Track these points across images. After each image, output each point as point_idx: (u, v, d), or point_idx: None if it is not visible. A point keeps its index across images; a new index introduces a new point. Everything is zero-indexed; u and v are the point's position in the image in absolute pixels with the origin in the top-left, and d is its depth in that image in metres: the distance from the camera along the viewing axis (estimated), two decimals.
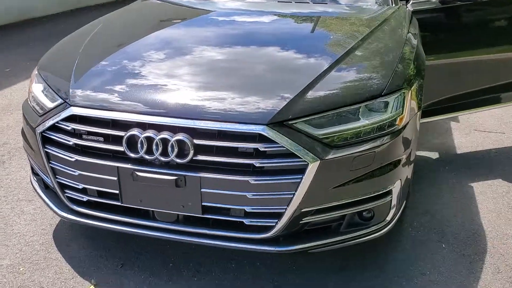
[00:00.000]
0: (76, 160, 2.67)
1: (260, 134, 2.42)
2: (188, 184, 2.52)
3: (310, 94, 2.56)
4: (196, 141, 2.47)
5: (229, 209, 2.58)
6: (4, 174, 4.25)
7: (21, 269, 3.08)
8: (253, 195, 2.47)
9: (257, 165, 2.43)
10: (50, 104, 2.84)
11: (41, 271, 3.06)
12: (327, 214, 2.60)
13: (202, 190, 2.52)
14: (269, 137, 2.39)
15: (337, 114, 2.53)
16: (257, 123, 2.41)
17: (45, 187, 3.14)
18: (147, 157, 2.53)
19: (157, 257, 3.18)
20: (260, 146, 2.42)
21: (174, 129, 2.51)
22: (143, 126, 2.55)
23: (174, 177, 2.51)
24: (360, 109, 2.55)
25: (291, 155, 2.42)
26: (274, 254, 3.09)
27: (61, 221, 3.58)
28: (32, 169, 3.27)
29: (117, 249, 3.26)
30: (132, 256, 3.19)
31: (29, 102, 3.12)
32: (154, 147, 2.50)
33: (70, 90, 2.76)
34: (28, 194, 3.92)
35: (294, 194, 2.46)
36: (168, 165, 2.56)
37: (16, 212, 3.70)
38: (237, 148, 2.47)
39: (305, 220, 2.57)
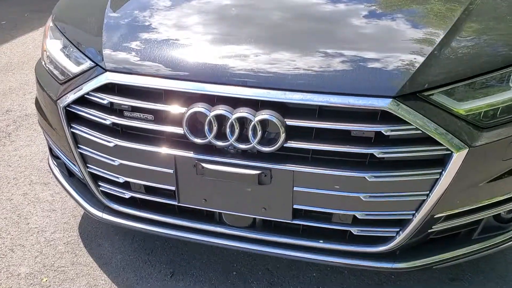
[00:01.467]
0: (116, 145, 2.00)
1: (384, 111, 1.73)
2: (275, 180, 1.86)
3: (447, 55, 1.85)
4: (289, 122, 1.79)
5: (331, 214, 1.94)
6: (11, 150, 3.59)
7: (44, 280, 2.47)
8: (370, 196, 1.82)
9: (378, 155, 1.76)
10: (74, 68, 2.14)
11: (70, 282, 2.44)
12: (463, 218, 1.95)
13: (294, 188, 1.87)
14: (398, 115, 1.71)
15: (484, 82, 1.83)
16: (380, 95, 1.72)
17: (69, 174, 2.49)
18: (218, 143, 1.86)
19: (215, 263, 2.56)
20: (384, 128, 1.74)
21: (256, 105, 1.82)
22: (212, 100, 1.86)
23: (257, 171, 1.85)
24: None
25: (427, 140, 1.74)
26: (389, 272, 2.45)
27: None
28: (51, 150, 2.61)
29: (162, 251, 2.64)
30: (183, 261, 2.57)
31: (43, 63, 2.42)
32: (228, 129, 1.83)
33: (104, 49, 2.05)
34: (43, 176, 3.27)
35: (428, 195, 1.80)
36: (248, 155, 1.89)
37: (30, 199, 3.06)
38: (348, 131, 1.79)
39: (435, 228, 1.92)
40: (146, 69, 1.93)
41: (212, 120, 1.83)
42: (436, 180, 1.78)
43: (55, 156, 2.59)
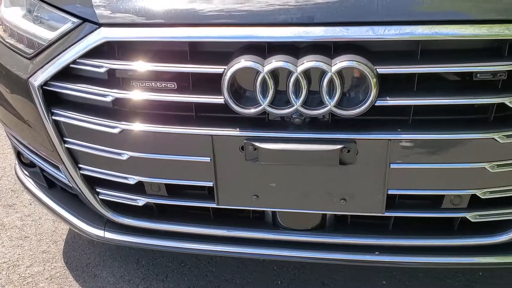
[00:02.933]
0: (123, 131, 1.43)
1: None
2: (361, 157, 1.33)
3: None
4: (381, 69, 1.28)
5: (440, 198, 1.42)
6: None
7: None
8: (499, 165, 1.32)
9: None
10: (49, 34, 1.55)
11: None
12: None
13: (390, 165, 1.35)
14: None
15: None
16: None
17: (49, 185, 1.88)
18: (276, 111, 1.31)
19: (252, 283, 2.00)
20: None
21: (328, 50, 1.30)
22: (262, 51, 1.32)
23: (337, 146, 1.32)
24: None
25: None
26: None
27: (70, 234, 2.33)
28: (20, 156, 1.99)
29: (179, 275, 2.04)
30: (210, 285, 2.00)
31: (0, 40, 1.82)
32: (290, 89, 1.29)
33: None
34: (4, 196, 2.62)
35: None
36: (321, 125, 1.36)
37: None
38: (466, 76, 1.28)
39: None
40: (159, 16, 1.37)
41: (267, 78, 1.28)
42: None
43: (26, 164, 1.97)
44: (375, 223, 1.53)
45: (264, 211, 1.57)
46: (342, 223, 1.54)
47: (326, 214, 1.52)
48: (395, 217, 1.48)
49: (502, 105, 1.27)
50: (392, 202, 1.44)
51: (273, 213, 1.55)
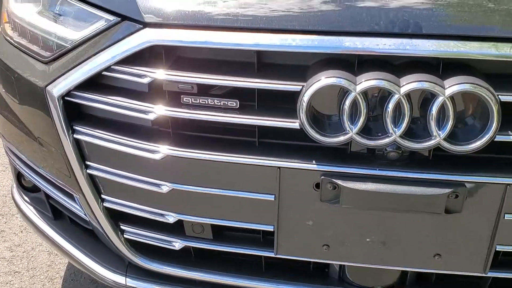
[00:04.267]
0: (166, 156, 1.15)
1: None
2: (469, 204, 1.07)
3: None
4: (505, 96, 1.03)
5: None
6: None
7: None
8: None
9: None
10: (74, 34, 1.27)
11: None
12: None
13: (505, 216, 1.09)
14: None
15: None
16: None
17: (55, 215, 1.58)
18: (368, 141, 1.05)
19: None
20: None
21: (435, 69, 1.05)
22: (350, 66, 1.07)
23: (444, 190, 1.06)
24: None
25: None
26: None
27: (70, 270, 2.01)
28: (20, 177, 1.68)
29: None
30: None
31: (7, 38, 1.54)
32: (387, 115, 1.04)
33: None
34: None
35: None
36: (419, 162, 1.10)
37: None
38: None
39: None
40: (221, 17, 1.11)
41: (359, 100, 1.03)
42: None
43: (27, 188, 1.67)
44: (463, 281, 1.27)
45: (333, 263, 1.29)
46: (425, 282, 1.28)
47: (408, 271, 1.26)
48: (494, 277, 1.22)
49: None
50: (498, 260, 1.18)
51: (341, 265, 1.28)
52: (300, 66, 1.11)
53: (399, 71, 1.04)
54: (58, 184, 1.40)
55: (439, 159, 1.10)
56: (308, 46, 1.06)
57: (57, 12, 1.38)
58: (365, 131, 1.06)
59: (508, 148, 1.08)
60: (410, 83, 1.01)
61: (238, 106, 1.12)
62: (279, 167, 1.11)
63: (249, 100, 1.13)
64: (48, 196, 1.53)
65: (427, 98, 1.04)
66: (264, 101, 1.13)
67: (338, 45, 1.05)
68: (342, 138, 1.05)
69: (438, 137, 1.02)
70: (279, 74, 1.10)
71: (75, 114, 1.26)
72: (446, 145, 1.03)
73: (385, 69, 1.04)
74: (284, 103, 1.12)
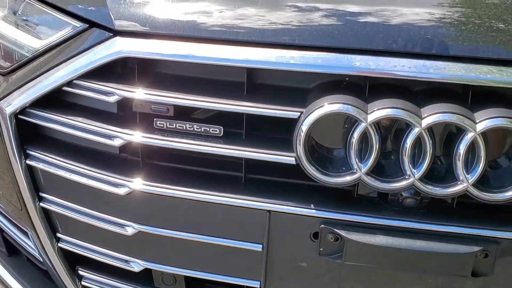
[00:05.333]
0: (133, 192, 0.95)
1: None
2: (501, 264, 0.88)
3: None
4: None
5: None
6: None
7: None
8: None
9: None
10: (37, 42, 1.08)
11: None
12: None
13: None
14: None
15: None
16: None
17: (9, 251, 1.36)
18: (380, 184, 0.85)
19: None
20: None
21: (459, 96, 0.86)
22: (360, 90, 0.88)
23: (473, 247, 0.86)
24: None
25: None
26: None
27: None
28: None
29: None
30: None
31: None
32: (407, 152, 0.84)
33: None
34: None
35: None
36: (445, 211, 0.90)
37: None
38: None
39: None
40: (206, 28, 0.92)
41: (371, 132, 0.84)
42: None
43: None
44: None
45: None
46: None
47: None
48: None
49: None
50: None
51: None
52: (299, 89, 0.92)
53: (419, 99, 0.86)
54: (8, 217, 1.20)
55: (465, 209, 0.90)
56: (309, 64, 0.87)
57: (23, 17, 1.20)
58: (377, 171, 0.86)
59: None
60: (434, 115, 0.82)
61: (221, 133, 0.92)
62: (268, 211, 0.91)
63: (236, 127, 0.94)
64: (0, 230, 1.33)
65: (452, 134, 0.85)
66: (254, 129, 0.94)
67: (346, 64, 0.86)
68: (348, 179, 0.86)
69: (466, 181, 0.83)
70: (273, 97, 0.91)
71: (30, 136, 1.06)
72: (476, 192, 0.84)
73: (402, 96, 0.86)
74: (278, 132, 0.93)
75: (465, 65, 0.84)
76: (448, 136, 0.87)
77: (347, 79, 0.89)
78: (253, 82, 0.93)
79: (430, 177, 0.85)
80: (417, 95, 0.88)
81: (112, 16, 0.96)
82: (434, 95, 0.86)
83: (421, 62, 0.85)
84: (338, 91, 0.86)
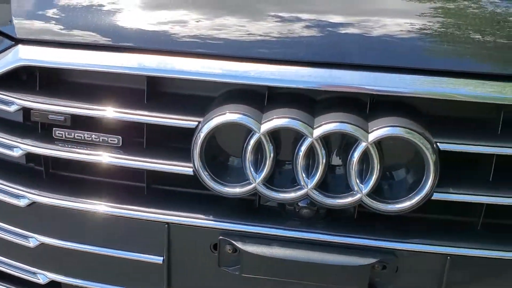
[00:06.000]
0: (34, 203, 0.92)
1: None
2: (402, 277, 0.85)
3: None
4: (444, 144, 0.81)
5: None
6: None
7: None
8: None
9: None
10: None
11: None
12: None
13: None
14: None
15: None
16: None
17: None
18: (275, 194, 0.83)
19: None
20: None
21: (362, 107, 0.84)
22: (258, 99, 0.86)
23: (368, 259, 0.84)
24: None
25: None
26: None
27: None
28: None
29: None
30: None
31: None
32: (300, 161, 0.82)
33: (13, 4, 0.99)
34: None
35: None
36: (341, 221, 0.88)
37: None
38: None
39: None
40: (104, 35, 0.90)
41: (264, 142, 0.82)
42: None
43: None
44: None
45: None
46: None
47: None
48: None
49: None
50: None
51: None
52: (202, 97, 0.91)
53: (317, 109, 0.84)
54: None
55: (365, 220, 0.88)
56: (205, 73, 0.85)
57: None
58: (273, 181, 0.85)
59: (448, 208, 0.87)
60: (325, 124, 0.80)
61: (120, 143, 0.90)
62: (167, 223, 0.89)
63: (138, 136, 0.92)
64: None
65: (350, 144, 0.84)
66: (156, 139, 0.93)
67: (242, 74, 0.85)
68: (242, 189, 0.84)
69: (360, 192, 0.81)
70: (175, 106, 0.89)
71: None
72: (370, 202, 0.82)
73: (300, 106, 0.84)
74: (181, 142, 0.91)
75: (364, 73, 0.83)
76: (345, 146, 0.85)
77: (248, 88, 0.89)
78: (155, 91, 0.91)
79: (325, 187, 0.84)
80: (318, 104, 0.86)
81: (14, 25, 0.95)
82: (334, 105, 0.85)
83: (319, 71, 0.84)
84: (238, 101, 0.85)
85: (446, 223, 0.88)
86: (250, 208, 0.90)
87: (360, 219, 0.88)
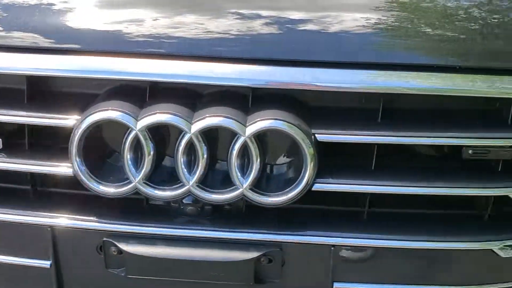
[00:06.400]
0: None
1: None
2: (289, 270, 0.85)
3: None
4: (322, 135, 0.81)
5: None
6: None
7: None
8: None
9: None
10: None
11: None
12: None
13: (334, 284, 0.86)
14: None
15: None
16: None
17: None
18: (156, 192, 0.81)
19: None
20: None
21: (243, 101, 0.83)
22: (138, 96, 0.83)
23: (252, 254, 0.83)
24: None
25: None
26: None
27: None
28: None
29: None
30: None
31: None
32: (180, 158, 0.80)
33: None
34: None
35: None
36: (227, 217, 0.87)
37: None
38: (459, 150, 0.82)
39: None
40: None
41: (141, 139, 0.80)
42: None
43: None
44: None
45: None
46: None
47: None
48: None
49: (504, 199, 0.84)
50: None
51: None
52: (82, 91, 0.88)
53: (195, 104, 0.83)
54: None
55: (254, 214, 0.87)
56: (82, 71, 0.84)
57: None
58: (153, 179, 0.83)
59: (333, 199, 0.87)
60: (204, 120, 0.79)
61: (0, 146, 0.87)
62: (50, 226, 0.87)
63: (20, 138, 0.89)
64: None
65: (229, 138, 0.83)
66: (43, 139, 0.90)
67: (106, 69, 0.83)
68: (122, 189, 0.82)
69: (241, 186, 0.81)
70: (56, 106, 0.87)
71: None
72: (253, 196, 0.81)
73: (177, 101, 0.83)
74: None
75: (240, 67, 0.82)
76: (229, 141, 0.84)
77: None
78: (37, 90, 0.89)
79: (209, 183, 0.82)
80: (200, 99, 0.85)
81: None
82: (214, 101, 0.84)
83: (192, 64, 0.82)
84: (115, 97, 0.83)
85: (334, 213, 0.88)
86: (137, 208, 0.88)
87: (249, 214, 0.87)
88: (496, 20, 0.87)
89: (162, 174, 0.84)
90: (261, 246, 0.83)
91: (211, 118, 0.79)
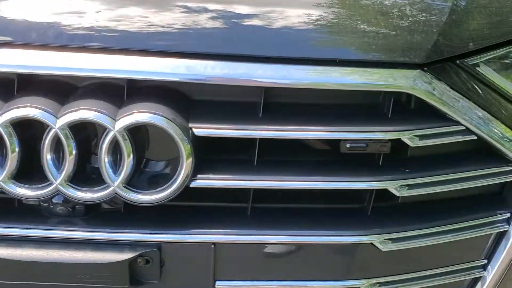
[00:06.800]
0: None
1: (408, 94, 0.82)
2: (169, 271, 0.82)
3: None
4: (200, 129, 0.77)
5: None
6: None
7: None
8: (381, 284, 0.88)
9: (400, 191, 0.83)
10: None
11: None
12: None
13: (216, 283, 0.83)
14: (430, 100, 0.81)
15: None
16: (402, 64, 0.81)
17: None
18: (20, 190, 0.75)
19: None
20: (410, 132, 0.81)
21: (117, 93, 0.78)
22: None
23: (128, 255, 0.78)
24: None
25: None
26: None
27: None
28: None
29: None
30: None
31: None
32: (45, 155, 0.74)
33: None
34: None
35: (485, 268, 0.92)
36: (101, 217, 0.82)
37: None
38: (337, 144, 0.83)
39: None
40: None
41: (5, 137, 0.73)
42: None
43: None
44: None
45: None
46: None
47: None
48: None
49: (384, 192, 0.84)
50: None
51: None
52: None
53: (65, 97, 0.78)
54: None
55: (133, 214, 0.83)
56: None
57: None
58: (19, 177, 0.77)
59: (213, 196, 0.84)
60: (68, 114, 0.74)
61: None
62: None
63: None
64: None
65: (99, 133, 0.78)
66: None
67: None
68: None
69: (112, 184, 0.76)
70: None
71: None
72: (126, 194, 0.77)
73: (53, 95, 0.77)
74: None
75: (114, 57, 0.78)
76: (97, 136, 0.80)
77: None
78: None
79: (77, 181, 0.78)
80: (64, 94, 0.80)
81: None
82: (85, 93, 0.79)
83: (67, 55, 0.77)
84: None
85: (217, 210, 0.86)
86: (8, 208, 0.83)
87: (128, 213, 0.83)
88: (375, 14, 0.86)
89: (30, 172, 0.78)
90: (137, 246, 0.79)
91: (78, 112, 0.74)
